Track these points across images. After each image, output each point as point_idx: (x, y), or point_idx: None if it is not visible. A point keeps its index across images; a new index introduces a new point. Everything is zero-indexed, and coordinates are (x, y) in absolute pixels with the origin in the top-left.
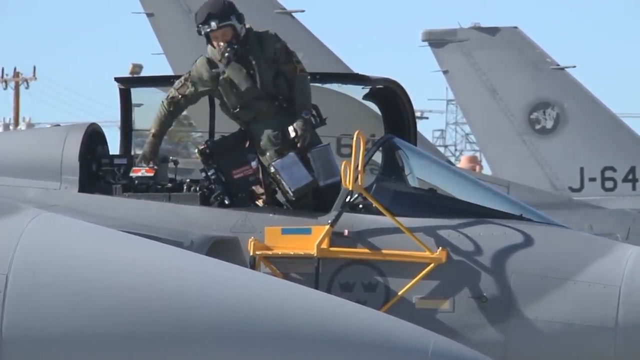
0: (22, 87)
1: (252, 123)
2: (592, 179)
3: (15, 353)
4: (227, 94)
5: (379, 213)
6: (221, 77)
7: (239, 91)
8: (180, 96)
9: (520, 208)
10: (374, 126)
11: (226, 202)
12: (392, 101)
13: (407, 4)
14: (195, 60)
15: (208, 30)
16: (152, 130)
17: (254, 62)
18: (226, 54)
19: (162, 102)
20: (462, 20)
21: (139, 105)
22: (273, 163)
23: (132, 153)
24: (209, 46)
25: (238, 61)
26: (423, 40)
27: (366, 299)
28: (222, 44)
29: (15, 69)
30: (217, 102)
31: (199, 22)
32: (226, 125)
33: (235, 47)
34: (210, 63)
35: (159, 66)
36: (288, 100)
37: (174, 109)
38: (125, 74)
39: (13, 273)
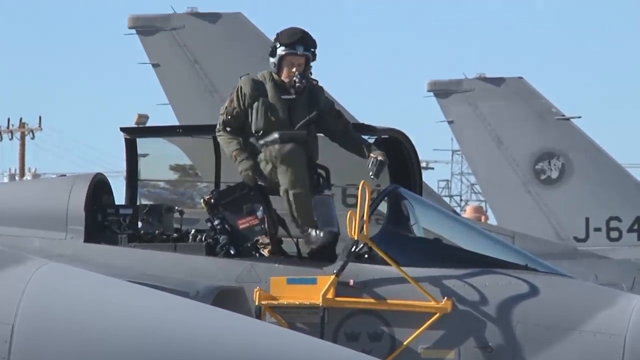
0: (27, 138)
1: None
2: (598, 229)
3: None
4: (257, 114)
5: (385, 263)
6: (261, 98)
7: (269, 119)
8: (229, 117)
9: (526, 258)
10: (380, 176)
11: (232, 252)
12: (397, 151)
13: (412, 55)
14: (240, 78)
15: (289, 52)
16: (234, 158)
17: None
18: (297, 84)
19: (220, 133)
20: (467, 70)
21: (144, 155)
22: (314, 198)
23: (138, 203)
24: (262, 73)
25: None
26: (428, 91)
27: (372, 349)
28: (294, 70)
29: (21, 119)
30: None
31: (283, 42)
32: (232, 175)
33: (307, 78)
34: (255, 82)
35: (164, 116)
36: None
37: (232, 131)
38: (131, 124)
39: (19, 323)
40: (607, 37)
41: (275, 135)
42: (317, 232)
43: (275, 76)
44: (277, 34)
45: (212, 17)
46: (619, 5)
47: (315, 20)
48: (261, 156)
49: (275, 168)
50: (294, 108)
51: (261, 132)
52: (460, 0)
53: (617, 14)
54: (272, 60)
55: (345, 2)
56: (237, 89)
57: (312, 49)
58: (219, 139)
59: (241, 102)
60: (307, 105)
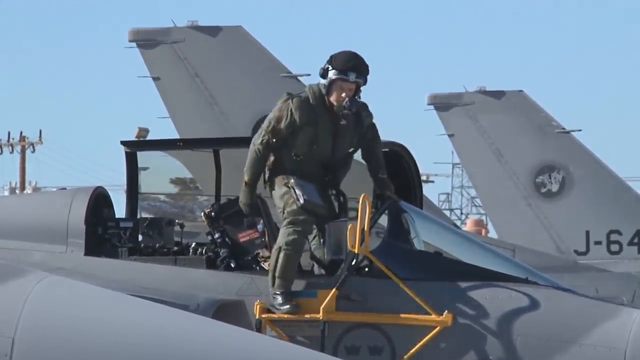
0: (28, 151)
1: (292, 171)
2: (598, 242)
3: None
4: (302, 141)
5: (385, 276)
6: (310, 127)
7: (312, 149)
8: (274, 140)
9: (526, 271)
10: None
11: (232, 265)
12: (398, 164)
13: (413, 68)
14: (290, 99)
15: (341, 78)
16: (246, 178)
17: (347, 134)
18: (345, 111)
19: (256, 148)
20: (468, 83)
21: (145, 168)
22: (330, 222)
23: (139, 216)
24: (312, 89)
25: (334, 124)
26: (429, 104)
27: None
28: (344, 95)
29: (21, 133)
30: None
31: (336, 66)
32: (232, 189)
33: (358, 104)
34: (306, 107)
35: (164, 130)
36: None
37: (268, 152)
38: (132, 137)
39: (19, 336)
40: (608, 51)
41: (301, 200)
42: (283, 299)
43: (325, 96)
44: (331, 57)
45: (213, 31)
46: (620, 19)
47: (314, 34)
48: (282, 191)
49: (282, 214)
50: (339, 134)
51: (300, 157)
52: (460, 13)
53: (617, 28)
54: (322, 81)
55: (345, 16)
56: (288, 112)
57: (364, 75)
58: (251, 147)
59: (289, 127)
60: (353, 127)
